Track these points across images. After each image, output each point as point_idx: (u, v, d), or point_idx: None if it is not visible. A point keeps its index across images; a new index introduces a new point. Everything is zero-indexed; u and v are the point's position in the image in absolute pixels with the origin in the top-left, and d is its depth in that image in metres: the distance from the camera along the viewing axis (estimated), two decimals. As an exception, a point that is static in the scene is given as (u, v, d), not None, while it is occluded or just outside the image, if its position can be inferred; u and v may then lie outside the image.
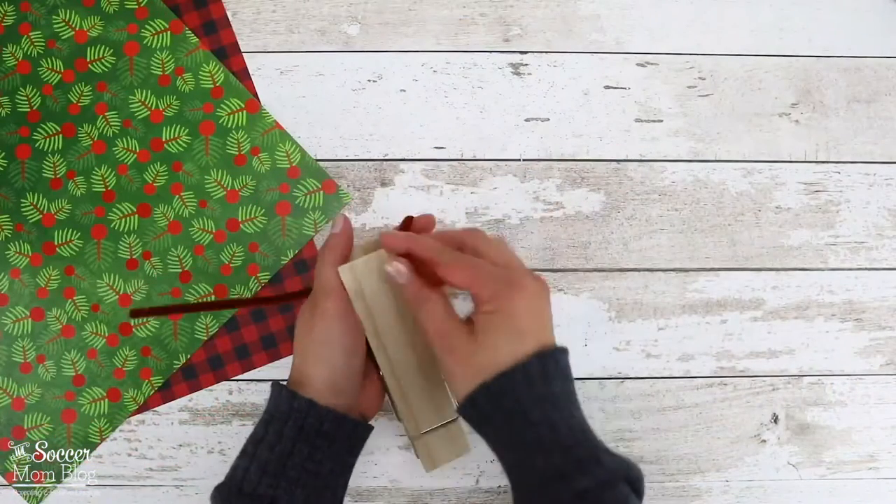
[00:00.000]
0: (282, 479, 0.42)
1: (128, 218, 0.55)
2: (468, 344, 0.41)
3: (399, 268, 0.43)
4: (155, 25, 0.56)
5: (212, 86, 0.56)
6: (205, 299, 0.55)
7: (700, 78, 0.57)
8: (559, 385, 0.41)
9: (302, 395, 0.43)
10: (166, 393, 0.55)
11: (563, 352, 0.42)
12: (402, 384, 0.46)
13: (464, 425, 0.45)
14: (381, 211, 0.56)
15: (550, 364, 0.41)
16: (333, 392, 0.44)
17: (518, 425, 0.40)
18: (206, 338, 0.55)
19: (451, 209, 0.56)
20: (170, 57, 0.56)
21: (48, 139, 0.55)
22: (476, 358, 0.41)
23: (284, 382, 0.45)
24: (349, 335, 0.45)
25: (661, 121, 0.57)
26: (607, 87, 0.57)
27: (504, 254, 0.44)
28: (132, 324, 0.55)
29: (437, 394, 0.47)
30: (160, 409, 0.55)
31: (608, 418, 0.56)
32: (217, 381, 0.55)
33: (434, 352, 0.43)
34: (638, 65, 0.57)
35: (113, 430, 0.55)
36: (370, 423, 0.47)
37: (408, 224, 0.47)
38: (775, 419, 0.57)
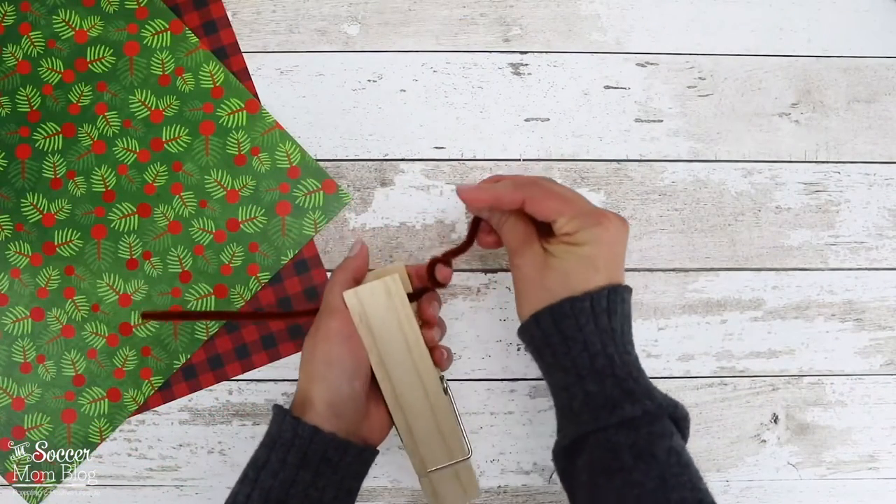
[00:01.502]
0: None
1: (128, 218, 0.55)
2: (539, 270, 0.43)
3: (482, 193, 0.46)
4: (155, 25, 0.56)
5: (212, 86, 0.56)
6: (205, 299, 0.55)
7: (700, 78, 0.57)
8: (620, 322, 0.42)
9: (306, 421, 0.42)
10: (166, 393, 0.55)
11: (629, 291, 0.43)
12: (408, 418, 0.46)
13: (475, 464, 0.46)
14: (381, 211, 0.56)
15: (617, 300, 0.42)
16: (335, 413, 0.43)
17: (577, 351, 0.41)
18: (206, 338, 0.55)
19: (451, 209, 0.56)
20: (170, 57, 0.56)
21: (48, 139, 0.55)
22: (546, 281, 0.43)
23: (282, 403, 0.45)
24: (351, 357, 0.45)
25: (661, 121, 0.57)
26: (607, 87, 0.57)
27: (579, 194, 0.46)
28: (132, 324, 0.55)
29: (448, 430, 0.46)
30: (160, 409, 0.55)
31: (608, 418, 0.56)
32: (217, 381, 0.55)
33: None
34: (638, 65, 0.57)
35: (113, 430, 0.55)
36: (377, 447, 0.46)
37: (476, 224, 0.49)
38: (775, 419, 0.57)
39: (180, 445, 0.55)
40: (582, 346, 0.41)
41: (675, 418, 0.41)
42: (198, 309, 0.55)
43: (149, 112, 0.56)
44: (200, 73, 0.56)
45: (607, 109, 0.57)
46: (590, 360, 0.41)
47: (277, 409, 0.44)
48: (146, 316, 0.48)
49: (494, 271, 0.56)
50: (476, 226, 0.48)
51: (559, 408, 0.43)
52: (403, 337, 0.45)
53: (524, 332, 0.45)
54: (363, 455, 0.45)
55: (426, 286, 0.47)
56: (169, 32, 0.56)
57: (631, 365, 0.42)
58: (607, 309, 0.42)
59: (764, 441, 0.56)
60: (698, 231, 0.57)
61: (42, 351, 0.55)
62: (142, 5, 0.56)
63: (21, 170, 0.55)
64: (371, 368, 0.46)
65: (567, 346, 0.42)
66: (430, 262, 0.47)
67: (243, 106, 0.56)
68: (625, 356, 0.42)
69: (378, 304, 0.45)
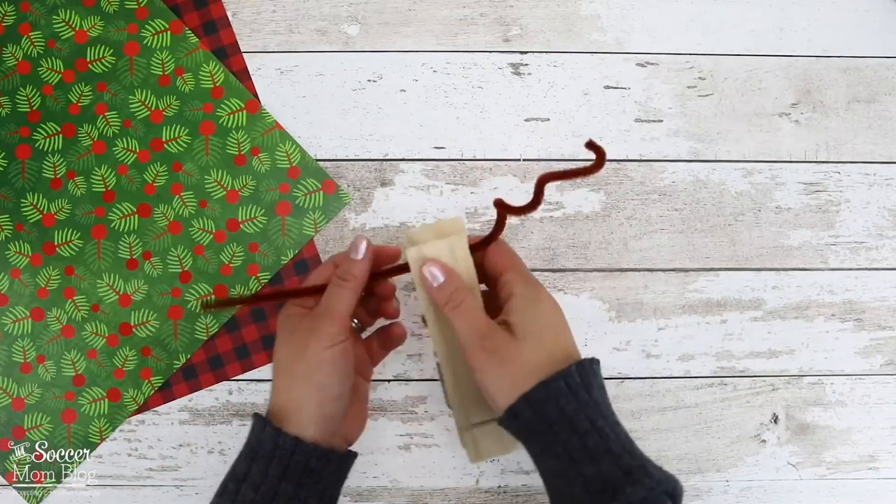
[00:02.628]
0: None
1: (128, 218, 0.55)
2: (510, 343, 0.41)
3: (434, 271, 0.43)
4: (155, 25, 0.56)
5: (212, 86, 0.56)
6: (205, 300, 0.55)
7: (700, 78, 0.57)
8: (599, 394, 0.41)
9: (287, 431, 0.41)
10: (166, 393, 0.55)
11: (597, 363, 0.42)
12: (457, 373, 0.45)
13: None
14: (381, 211, 0.56)
15: (589, 372, 0.40)
16: (322, 418, 0.42)
17: (564, 434, 0.39)
18: (206, 338, 0.55)
19: (451, 209, 0.56)
20: (170, 57, 0.56)
21: (48, 139, 0.55)
22: (522, 358, 0.41)
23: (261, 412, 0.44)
24: (345, 360, 0.43)
25: (661, 121, 0.57)
26: (607, 87, 0.57)
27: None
28: (132, 324, 0.55)
29: None
30: (160, 409, 0.55)
31: (608, 418, 0.56)
32: (217, 381, 0.55)
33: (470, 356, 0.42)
34: (638, 65, 0.57)
35: (113, 430, 0.55)
36: (355, 452, 0.46)
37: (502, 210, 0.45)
38: (775, 419, 0.57)
39: (180, 445, 0.55)
40: (569, 428, 0.39)
41: (673, 494, 0.39)
42: (197, 310, 0.55)
43: (149, 112, 0.56)
44: (200, 73, 0.56)
45: (607, 109, 0.57)
46: (580, 441, 0.39)
47: (257, 418, 0.43)
48: (207, 307, 0.47)
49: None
50: (541, 187, 0.44)
51: (554, 495, 0.41)
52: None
53: (507, 426, 0.43)
54: (344, 461, 0.44)
55: (487, 237, 0.45)
56: (169, 32, 0.56)
57: (623, 437, 0.40)
58: (582, 383, 0.40)
59: (764, 441, 0.56)
60: (698, 231, 0.57)
61: (42, 351, 0.55)
62: (142, 5, 0.56)
63: (21, 170, 0.55)
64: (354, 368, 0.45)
65: (554, 432, 0.40)
66: (497, 204, 0.44)
67: (243, 106, 0.56)
68: (616, 428, 0.40)
69: (443, 261, 0.44)
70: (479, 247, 0.45)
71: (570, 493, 0.39)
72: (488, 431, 0.47)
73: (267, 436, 0.41)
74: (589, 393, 0.40)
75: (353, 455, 0.46)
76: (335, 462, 0.43)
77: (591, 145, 0.42)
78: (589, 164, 0.42)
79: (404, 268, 0.45)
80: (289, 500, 0.41)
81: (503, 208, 0.44)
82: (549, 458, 0.40)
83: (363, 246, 0.44)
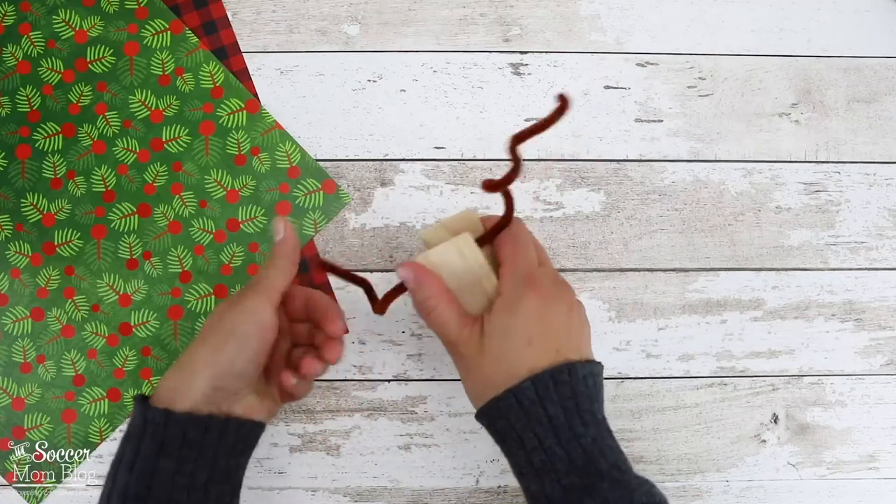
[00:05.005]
0: (149, 502, 0.38)
1: (128, 218, 0.55)
2: (476, 355, 0.41)
3: (408, 275, 0.42)
4: (155, 25, 0.56)
5: (212, 86, 0.56)
6: (205, 299, 0.55)
7: (700, 78, 0.57)
8: (557, 407, 0.39)
9: (154, 405, 0.39)
10: (166, 393, 0.55)
11: (565, 371, 0.39)
12: None
13: None
14: (381, 211, 0.56)
15: (549, 385, 0.39)
16: (212, 390, 0.40)
17: (514, 449, 0.40)
18: (206, 338, 0.55)
19: (451, 209, 0.56)
20: (170, 57, 0.56)
21: (48, 139, 0.55)
22: (483, 369, 0.41)
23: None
24: (259, 337, 0.41)
25: (661, 121, 0.57)
26: (607, 87, 0.57)
27: (542, 254, 0.44)
28: (132, 323, 0.55)
29: None
30: (160, 409, 0.55)
31: (608, 418, 0.56)
32: (217, 381, 0.55)
33: None
34: (638, 65, 0.57)
35: (113, 430, 0.55)
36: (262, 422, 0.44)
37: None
38: (775, 419, 0.57)
39: (180, 445, 0.55)
40: (518, 444, 0.39)
41: None
42: (197, 310, 0.55)
43: (149, 112, 0.56)
44: (200, 73, 0.56)
45: (607, 109, 0.57)
46: (526, 459, 0.39)
47: (137, 396, 0.40)
48: (324, 266, 0.45)
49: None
50: (514, 148, 0.41)
51: None
52: (484, 292, 0.43)
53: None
54: (238, 429, 0.41)
55: (497, 225, 0.44)
56: (169, 32, 0.56)
57: (577, 454, 0.38)
58: (538, 398, 0.38)
59: (764, 441, 0.56)
60: (698, 231, 0.57)
61: (42, 351, 0.55)
62: (142, 5, 0.56)
63: (21, 170, 0.55)
64: (270, 348, 0.43)
65: (507, 446, 0.40)
66: (512, 140, 0.41)
67: (243, 106, 0.56)
68: (568, 444, 0.38)
69: (452, 264, 0.42)
70: (490, 237, 0.44)
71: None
72: None
73: (136, 411, 0.39)
74: (544, 408, 0.38)
75: (253, 425, 0.43)
76: (217, 428, 0.40)
77: (560, 97, 0.39)
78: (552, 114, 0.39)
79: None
80: (171, 476, 0.38)
81: (491, 187, 0.42)
82: (511, 466, 0.42)
83: (280, 226, 0.43)
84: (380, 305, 0.46)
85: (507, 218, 0.43)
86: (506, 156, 0.41)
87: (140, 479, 0.38)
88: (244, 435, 0.42)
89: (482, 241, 0.44)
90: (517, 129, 0.40)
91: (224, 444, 0.40)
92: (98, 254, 0.55)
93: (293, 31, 0.57)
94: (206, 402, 0.40)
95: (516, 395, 0.39)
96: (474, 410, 0.44)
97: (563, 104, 0.39)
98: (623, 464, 0.39)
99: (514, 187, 0.56)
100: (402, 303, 0.55)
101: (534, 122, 0.40)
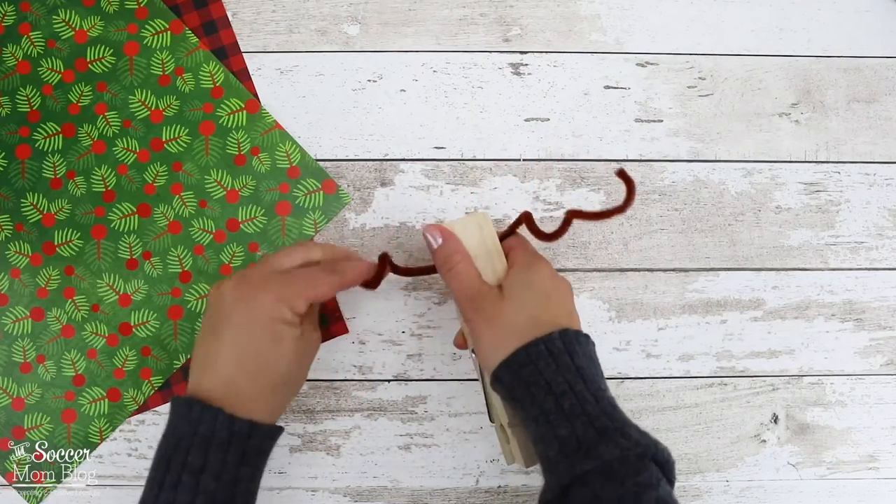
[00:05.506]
0: None
1: (128, 218, 0.55)
2: (496, 303, 0.43)
3: (434, 234, 0.46)
4: (155, 25, 0.56)
5: (212, 86, 0.56)
6: (205, 300, 0.55)
7: (700, 78, 0.57)
8: (585, 361, 0.41)
9: (240, 416, 0.41)
10: (166, 393, 0.55)
11: (584, 336, 0.43)
12: (521, 434, 0.46)
13: None
14: (381, 211, 0.56)
15: (574, 341, 0.41)
16: (276, 403, 0.44)
17: (541, 397, 0.40)
18: (206, 338, 0.55)
19: (451, 209, 0.56)
20: (170, 57, 0.56)
21: (48, 139, 0.55)
22: (506, 316, 0.42)
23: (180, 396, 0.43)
24: (309, 351, 0.45)
25: (661, 121, 0.57)
26: (607, 87, 0.57)
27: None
28: (132, 324, 0.55)
29: None
30: (160, 409, 0.55)
31: (608, 418, 0.56)
32: (217, 381, 0.55)
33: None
34: (638, 65, 0.57)
35: (113, 430, 0.55)
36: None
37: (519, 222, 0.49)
38: (775, 419, 0.57)
39: (180, 445, 0.55)
40: (546, 390, 0.40)
41: (660, 462, 0.39)
42: (197, 310, 0.55)
43: (149, 112, 0.56)
44: (200, 73, 0.56)
45: (607, 109, 0.57)
46: (556, 403, 0.39)
47: (201, 405, 0.41)
48: (393, 268, 0.49)
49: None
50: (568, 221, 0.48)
51: (541, 460, 0.41)
52: (493, 268, 0.46)
53: (495, 391, 0.44)
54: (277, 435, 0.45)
55: (511, 230, 0.49)
56: (169, 32, 0.56)
57: (604, 400, 0.40)
58: (565, 349, 0.41)
59: (764, 441, 0.56)
60: (698, 231, 0.57)
61: (42, 351, 0.55)
62: (142, 5, 0.56)
63: (21, 170, 0.55)
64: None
65: (531, 394, 0.40)
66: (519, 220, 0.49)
67: (243, 106, 0.56)
68: (597, 392, 0.40)
69: (472, 236, 0.46)
70: (501, 237, 0.48)
71: (548, 456, 0.40)
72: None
73: (221, 424, 0.40)
74: (572, 358, 0.40)
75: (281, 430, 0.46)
76: (275, 438, 0.44)
77: (622, 174, 0.46)
78: (619, 204, 0.46)
79: (432, 268, 0.49)
80: (248, 482, 0.41)
81: (528, 223, 0.48)
82: (531, 422, 0.41)
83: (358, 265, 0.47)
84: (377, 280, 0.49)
85: (514, 227, 0.49)
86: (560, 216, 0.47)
87: (226, 486, 0.40)
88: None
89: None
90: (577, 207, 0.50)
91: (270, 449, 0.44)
92: (98, 254, 0.55)
93: (293, 31, 0.57)
94: (268, 413, 0.43)
95: (546, 343, 0.41)
96: (474, 411, 0.44)
97: (630, 192, 0.46)
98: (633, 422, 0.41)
99: (514, 187, 0.57)
100: (402, 303, 0.56)
101: (600, 210, 0.47)
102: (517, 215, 0.49)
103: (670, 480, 0.39)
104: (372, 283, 0.48)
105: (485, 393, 0.49)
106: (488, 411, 0.49)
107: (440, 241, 0.46)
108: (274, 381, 0.43)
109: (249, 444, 0.41)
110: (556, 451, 0.39)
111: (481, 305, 0.43)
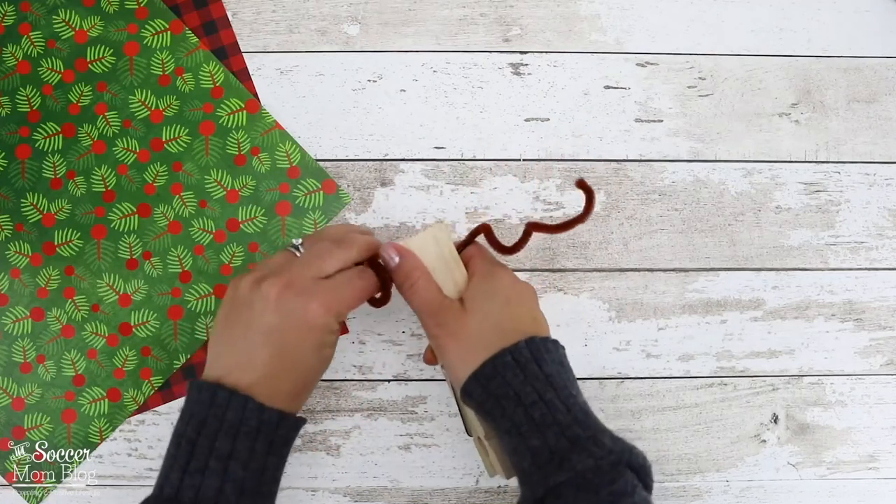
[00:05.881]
0: (258, 498, 0.40)
1: (128, 218, 0.55)
2: (459, 316, 0.43)
3: (390, 253, 0.45)
4: (155, 25, 0.56)
5: (212, 86, 0.56)
6: (205, 299, 0.55)
7: (700, 78, 0.57)
8: (554, 368, 0.40)
9: (269, 406, 0.40)
10: (166, 393, 0.55)
11: (554, 342, 0.42)
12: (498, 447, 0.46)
13: None
14: (381, 211, 0.56)
15: (541, 348, 0.41)
16: (304, 394, 0.43)
17: (511, 408, 0.39)
18: (206, 338, 0.55)
19: (451, 209, 0.56)
20: (170, 57, 0.56)
21: (48, 139, 0.55)
22: (468, 330, 0.42)
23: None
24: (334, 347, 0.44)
25: (661, 121, 0.57)
26: (607, 87, 0.57)
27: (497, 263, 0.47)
28: (132, 323, 0.55)
29: None
30: (160, 409, 0.55)
31: (608, 418, 0.56)
32: (217, 381, 0.55)
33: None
34: (638, 65, 0.57)
35: (113, 430, 0.55)
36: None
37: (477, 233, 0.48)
38: (775, 419, 0.57)
39: (180, 445, 0.55)
40: (516, 402, 0.39)
41: (635, 467, 0.38)
42: (197, 310, 0.55)
43: (149, 112, 0.56)
44: (200, 73, 0.56)
45: (607, 109, 0.57)
46: (526, 414, 0.39)
47: (230, 392, 0.40)
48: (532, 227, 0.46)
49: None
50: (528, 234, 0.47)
51: (517, 472, 0.41)
52: (453, 280, 0.45)
53: (467, 405, 0.44)
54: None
55: (468, 240, 0.48)
56: (169, 32, 0.56)
57: (576, 408, 0.39)
58: (532, 357, 0.40)
59: (764, 441, 0.56)
60: (698, 231, 0.57)
61: (42, 351, 0.55)
62: (142, 5, 0.56)
63: (21, 170, 0.55)
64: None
65: (502, 407, 0.40)
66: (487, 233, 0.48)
67: (243, 106, 0.56)
68: (568, 400, 0.39)
69: (429, 251, 0.45)
70: (460, 247, 0.48)
71: (522, 468, 0.39)
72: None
73: (250, 412, 0.40)
74: (540, 366, 0.40)
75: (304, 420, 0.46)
76: (297, 430, 0.43)
77: (581, 184, 0.44)
78: (577, 214, 0.44)
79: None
80: (274, 471, 0.41)
81: (488, 235, 0.47)
82: (504, 435, 0.41)
83: (392, 252, 0.45)
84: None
85: (470, 239, 0.48)
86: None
87: (254, 475, 0.40)
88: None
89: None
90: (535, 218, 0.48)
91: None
92: (98, 254, 0.55)
93: (293, 31, 0.57)
94: (295, 404, 0.43)
95: (512, 353, 0.40)
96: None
97: (589, 202, 0.44)
98: (607, 429, 0.40)
99: (514, 187, 0.57)
100: (402, 303, 0.56)
101: (557, 222, 0.45)
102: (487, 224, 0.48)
103: (647, 485, 0.38)
104: (381, 300, 0.48)
105: (458, 407, 0.49)
106: (464, 425, 0.49)
107: (397, 259, 0.44)
108: (307, 381, 0.43)
109: (277, 433, 0.41)
110: (530, 463, 0.38)
111: (444, 320, 0.43)
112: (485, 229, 0.47)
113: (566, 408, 0.39)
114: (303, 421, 0.43)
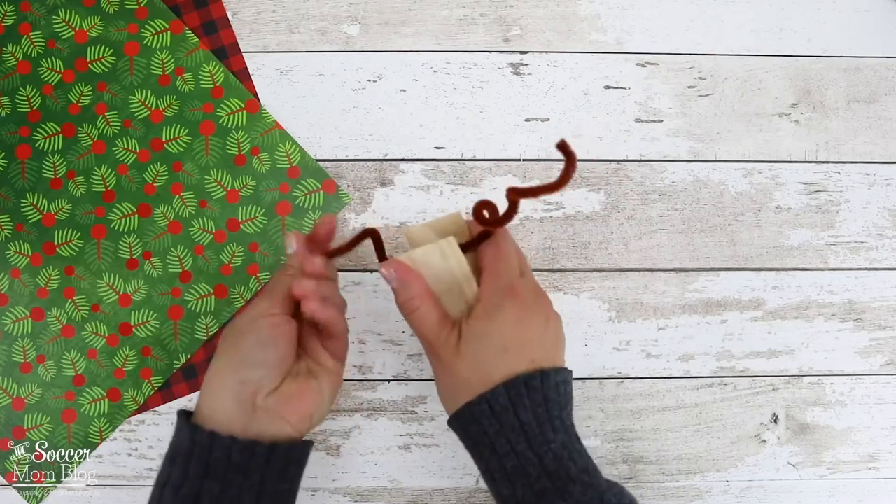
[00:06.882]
0: None
1: (128, 218, 0.55)
2: (452, 354, 0.41)
3: (391, 274, 0.42)
4: (155, 25, 0.56)
5: (212, 86, 0.56)
6: (205, 299, 0.55)
7: (700, 78, 0.57)
8: (531, 413, 0.39)
9: (203, 426, 0.39)
10: (166, 393, 0.55)
11: (547, 374, 0.40)
12: None
13: None
14: (381, 211, 0.56)
15: (521, 391, 0.39)
16: (245, 401, 0.40)
17: (486, 454, 0.40)
18: (206, 338, 0.55)
19: (451, 209, 0.56)
20: (170, 57, 0.56)
21: (48, 139, 0.55)
22: (458, 373, 0.41)
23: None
24: (272, 332, 0.41)
25: (661, 121, 0.57)
26: (607, 87, 0.57)
27: (524, 264, 0.44)
28: (132, 323, 0.55)
29: None
30: (160, 409, 0.55)
31: (608, 418, 0.56)
32: (217, 381, 0.55)
33: None
34: (638, 65, 0.57)
35: (113, 430, 0.55)
36: (304, 439, 0.43)
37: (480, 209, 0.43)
38: (775, 419, 0.57)
39: (180, 445, 0.55)
40: (490, 450, 0.40)
41: None
42: (197, 310, 0.55)
43: (149, 112, 0.56)
44: (200, 73, 0.56)
45: (607, 109, 0.57)
46: (499, 463, 0.39)
47: (180, 414, 0.40)
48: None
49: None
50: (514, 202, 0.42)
51: None
52: (463, 297, 0.43)
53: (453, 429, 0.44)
54: (288, 453, 0.40)
55: (483, 232, 0.43)
56: (169, 32, 0.56)
57: (547, 457, 0.39)
58: (510, 404, 0.39)
59: (764, 441, 0.56)
60: (698, 231, 0.57)
61: (42, 351, 0.55)
62: (142, 5, 0.56)
63: (21, 170, 0.55)
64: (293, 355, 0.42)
65: (479, 451, 0.40)
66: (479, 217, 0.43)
67: (243, 106, 0.56)
68: (540, 449, 0.39)
69: (435, 266, 0.42)
70: (475, 243, 0.44)
71: None
72: None
73: (184, 433, 0.39)
74: (517, 414, 0.39)
75: (298, 446, 0.41)
76: (264, 454, 0.39)
77: (562, 146, 0.41)
78: (556, 179, 0.41)
79: (354, 244, 0.45)
80: (216, 499, 0.38)
81: (483, 222, 0.42)
82: (482, 473, 0.42)
83: (292, 240, 0.44)
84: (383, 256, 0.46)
85: (485, 234, 0.43)
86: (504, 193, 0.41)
87: (184, 500, 0.38)
88: (295, 458, 0.41)
89: (467, 246, 0.43)
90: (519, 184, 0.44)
91: (273, 467, 0.40)
92: (98, 254, 0.55)
93: (293, 31, 0.57)
94: (241, 420, 0.39)
95: (489, 401, 0.40)
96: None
97: (570, 163, 0.40)
98: (592, 468, 0.40)
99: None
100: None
101: (540, 184, 0.41)
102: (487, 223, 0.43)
103: None
104: (343, 249, 0.45)
105: None
106: None
107: (395, 283, 0.42)
108: (239, 373, 0.41)
109: (212, 456, 0.38)
110: None
111: (438, 354, 0.42)
112: (485, 205, 0.42)
113: (538, 458, 0.39)
114: (252, 443, 0.39)
